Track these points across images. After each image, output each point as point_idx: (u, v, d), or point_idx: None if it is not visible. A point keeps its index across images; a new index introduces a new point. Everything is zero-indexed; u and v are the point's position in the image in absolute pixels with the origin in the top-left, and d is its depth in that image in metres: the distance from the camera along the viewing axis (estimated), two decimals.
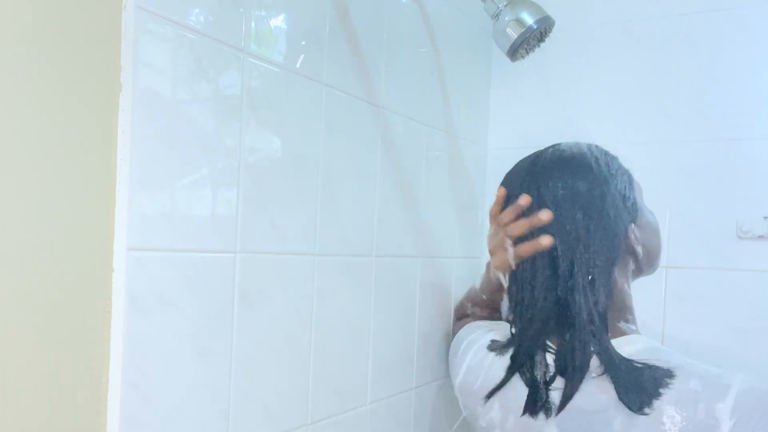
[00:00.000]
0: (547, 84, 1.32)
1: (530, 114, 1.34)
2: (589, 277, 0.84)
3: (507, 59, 0.99)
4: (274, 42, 0.80)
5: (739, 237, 1.14)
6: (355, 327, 0.97)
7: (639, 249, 0.88)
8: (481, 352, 0.96)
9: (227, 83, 0.74)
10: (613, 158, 0.92)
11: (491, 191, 1.36)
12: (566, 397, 0.82)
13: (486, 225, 1.36)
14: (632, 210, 0.89)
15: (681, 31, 1.20)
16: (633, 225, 0.88)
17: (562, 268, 0.85)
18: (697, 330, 1.13)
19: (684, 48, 1.20)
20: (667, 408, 0.77)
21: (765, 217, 1.12)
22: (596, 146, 0.93)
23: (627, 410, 0.78)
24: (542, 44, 1.00)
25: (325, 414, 0.90)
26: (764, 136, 1.14)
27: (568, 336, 0.84)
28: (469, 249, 1.31)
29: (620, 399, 0.78)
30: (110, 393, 0.63)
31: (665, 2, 1.22)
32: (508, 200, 0.93)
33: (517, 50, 0.96)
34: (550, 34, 0.98)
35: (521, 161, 0.96)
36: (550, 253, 0.86)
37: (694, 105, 1.19)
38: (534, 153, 0.95)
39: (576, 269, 0.84)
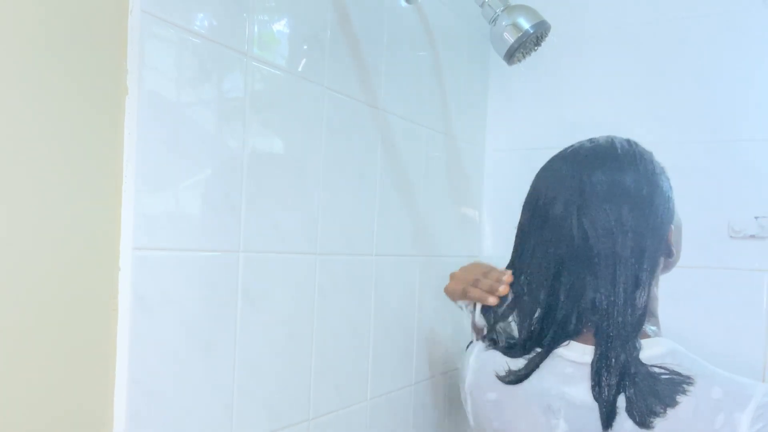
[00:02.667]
0: (544, 87, 1.34)
1: (527, 116, 1.36)
2: (633, 280, 0.78)
3: (504, 63, 1.01)
4: (276, 46, 0.82)
5: (731, 237, 1.16)
6: (356, 324, 0.98)
7: (674, 250, 0.85)
8: (482, 354, 0.92)
9: (230, 86, 0.75)
10: (651, 154, 0.86)
11: (489, 191, 1.38)
12: (608, 418, 0.77)
13: (484, 223, 1.39)
14: (672, 211, 0.85)
15: (674, 35, 1.22)
16: (672, 226, 0.85)
17: (602, 267, 0.79)
18: (689, 328, 1.15)
19: (677, 51, 1.22)
20: (684, 415, 0.73)
21: (756, 217, 1.14)
22: (635, 142, 0.87)
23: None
24: (539, 48, 1.01)
25: (326, 410, 0.92)
26: (755, 137, 1.15)
27: (602, 347, 0.78)
28: (467, 248, 1.32)
29: (632, 406, 0.75)
30: (117, 389, 0.64)
31: (658, 7, 1.24)
32: (538, 197, 0.87)
33: (513, 54, 0.98)
34: (547, 38, 1.00)
35: (557, 155, 0.89)
36: (586, 251, 0.80)
37: (686, 107, 1.20)
38: (570, 146, 0.89)
39: (618, 270, 0.79)
